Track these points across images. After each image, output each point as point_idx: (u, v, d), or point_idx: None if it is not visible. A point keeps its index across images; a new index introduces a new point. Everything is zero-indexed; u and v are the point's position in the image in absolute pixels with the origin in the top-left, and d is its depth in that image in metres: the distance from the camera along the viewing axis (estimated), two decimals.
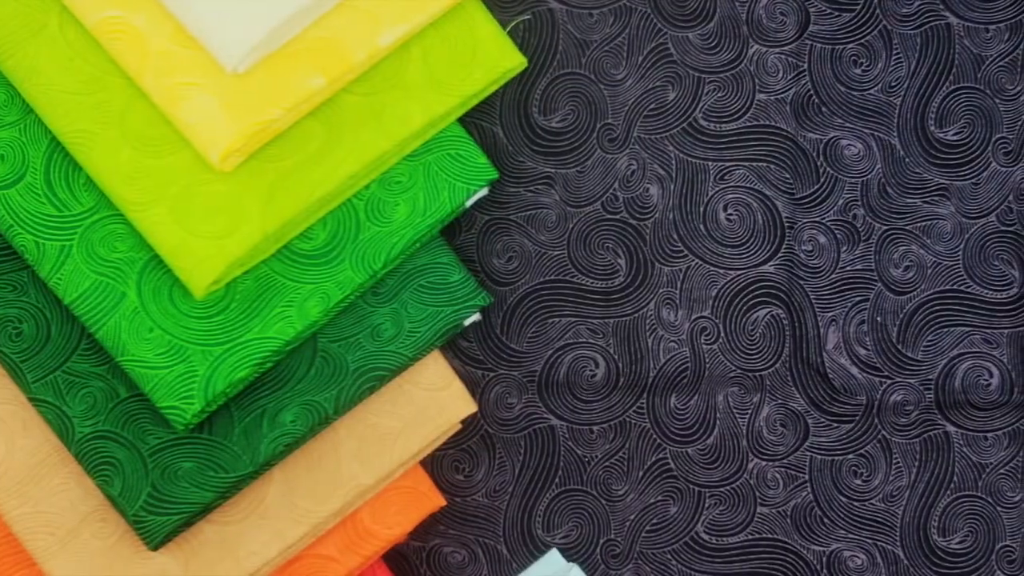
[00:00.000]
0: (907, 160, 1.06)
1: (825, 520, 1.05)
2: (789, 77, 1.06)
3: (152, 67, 0.94)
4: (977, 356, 1.05)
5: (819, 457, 1.05)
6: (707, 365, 1.05)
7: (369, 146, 0.97)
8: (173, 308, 0.96)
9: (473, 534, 1.05)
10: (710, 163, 1.05)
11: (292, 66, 0.95)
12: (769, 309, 1.05)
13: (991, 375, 1.05)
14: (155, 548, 0.97)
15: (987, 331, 1.06)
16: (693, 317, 1.05)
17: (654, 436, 1.05)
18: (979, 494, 1.05)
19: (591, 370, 1.05)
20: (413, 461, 1.03)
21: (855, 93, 1.06)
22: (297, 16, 0.94)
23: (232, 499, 1.00)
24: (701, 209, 1.05)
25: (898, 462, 1.05)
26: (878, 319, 1.05)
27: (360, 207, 0.99)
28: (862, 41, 1.06)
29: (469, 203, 1.01)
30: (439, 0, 0.97)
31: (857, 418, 1.05)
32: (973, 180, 1.06)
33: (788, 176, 1.06)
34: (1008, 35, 1.06)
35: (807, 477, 1.05)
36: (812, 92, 1.06)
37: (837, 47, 1.06)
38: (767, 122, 1.06)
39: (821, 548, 1.05)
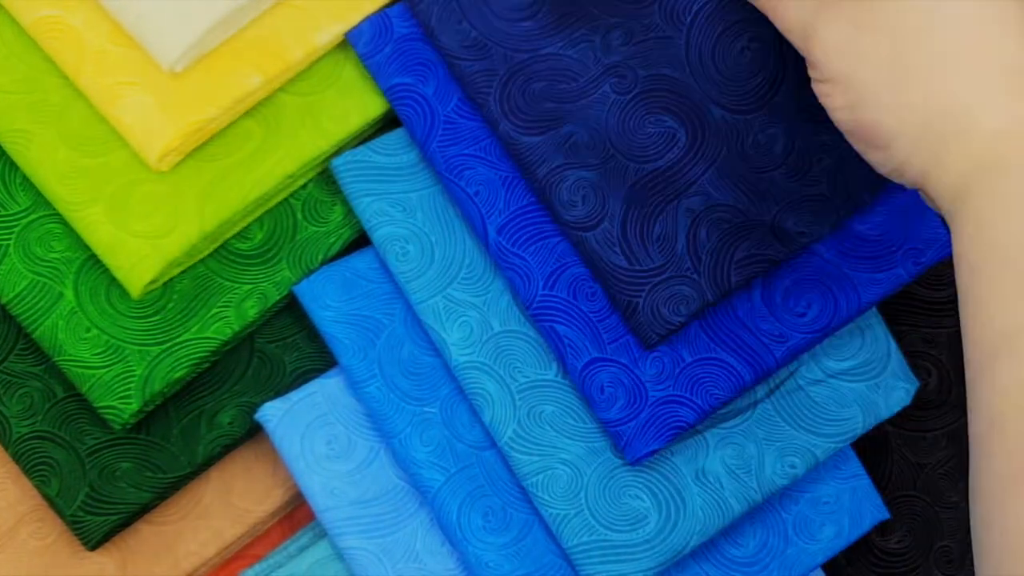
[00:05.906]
0: None
1: None
2: None
3: (89, 66, 0.93)
4: (916, 355, 1.05)
5: None
6: None
7: (307, 146, 0.97)
8: (110, 308, 0.96)
9: None
10: None
11: (229, 65, 0.94)
12: None
13: (930, 375, 1.05)
14: (93, 548, 0.97)
15: (926, 330, 1.05)
16: None
17: None
18: (917, 494, 1.05)
19: None
20: None
21: None
22: (234, 15, 0.94)
23: (170, 499, 1.00)
24: None
25: None
26: None
27: (297, 207, 0.98)
28: None
29: None
30: (374, 0, 0.97)
31: None
32: None
33: None
34: None
35: None
36: None
37: None
38: None
39: None
